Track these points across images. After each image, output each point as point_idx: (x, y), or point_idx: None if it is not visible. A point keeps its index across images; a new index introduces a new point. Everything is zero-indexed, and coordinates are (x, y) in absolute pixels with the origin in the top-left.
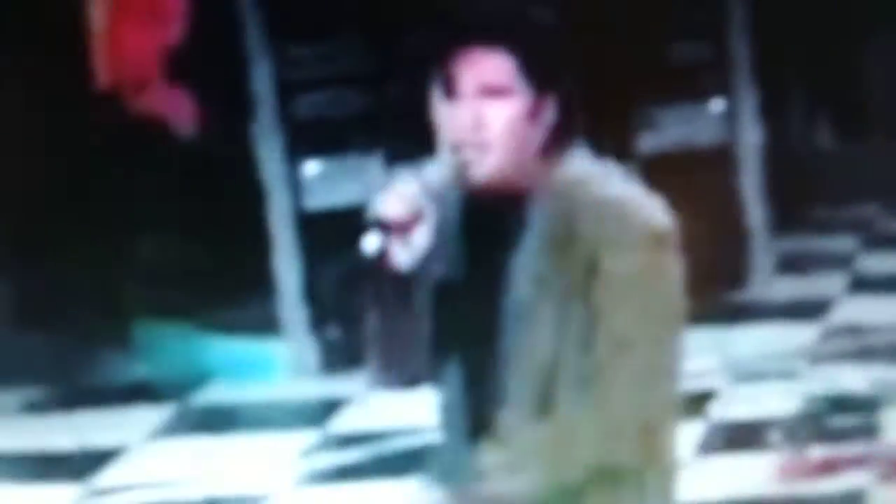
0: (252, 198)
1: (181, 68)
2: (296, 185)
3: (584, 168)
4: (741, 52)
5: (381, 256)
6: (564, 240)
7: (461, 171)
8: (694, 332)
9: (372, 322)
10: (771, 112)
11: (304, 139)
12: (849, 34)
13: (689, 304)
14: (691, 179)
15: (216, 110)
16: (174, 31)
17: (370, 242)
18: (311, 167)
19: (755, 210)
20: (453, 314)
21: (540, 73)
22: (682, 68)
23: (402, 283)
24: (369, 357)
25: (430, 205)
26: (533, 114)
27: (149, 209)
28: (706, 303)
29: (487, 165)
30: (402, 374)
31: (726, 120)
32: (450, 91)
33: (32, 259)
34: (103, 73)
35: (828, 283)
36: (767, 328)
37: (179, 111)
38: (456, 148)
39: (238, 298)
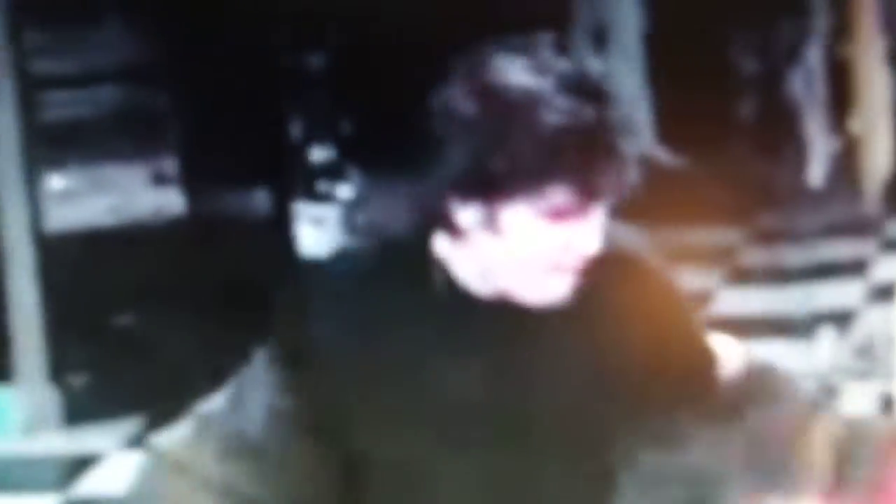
0: None
1: None
2: (35, 202)
3: None
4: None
5: None
6: None
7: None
8: None
9: None
10: None
11: (47, 146)
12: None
13: None
14: None
15: None
16: None
17: None
18: (55, 181)
19: None
20: None
21: None
22: None
23: None
24: None
25: None
26: None
27: None
28: None
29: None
30: None
31: None
32: (569, 209)
33: None
34: None
35: None
36: None
37: None
38: (549, 269)
39: None
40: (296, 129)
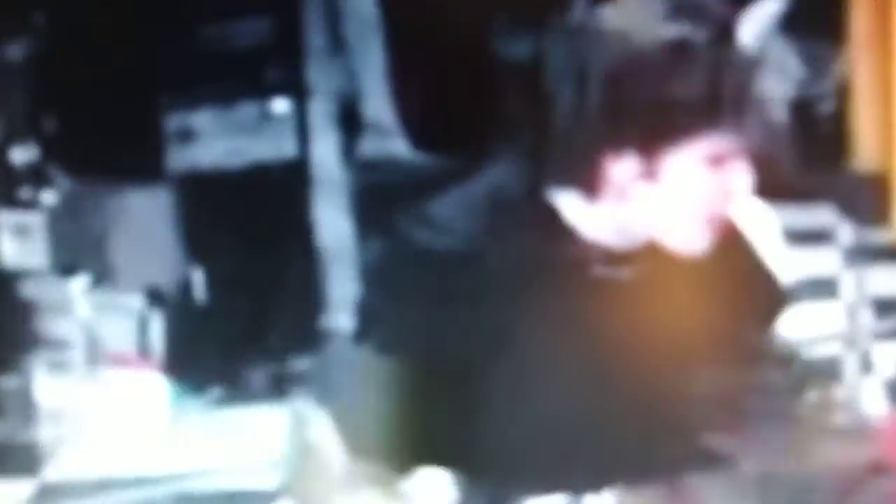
0: None
1: None
2: None
3: None
4: (316, 32)
5: None
6: None
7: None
8: None
9: None
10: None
11: None
12: None
13: None
14: (245, 205)
15: None
16: None
17: None
18: None
19: (337, 243)
20: None
21: None
22: (229, 55)
23: None
24: None
25: None
26: None
27: None
28: None
29: None
30: None
31: (294, 127)
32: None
33: None
34: None
35: None
36: None
37: None
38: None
39: None
40: None
